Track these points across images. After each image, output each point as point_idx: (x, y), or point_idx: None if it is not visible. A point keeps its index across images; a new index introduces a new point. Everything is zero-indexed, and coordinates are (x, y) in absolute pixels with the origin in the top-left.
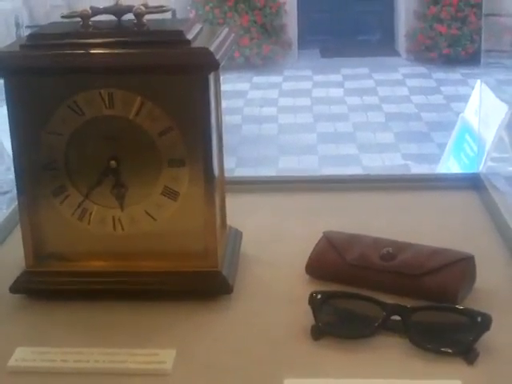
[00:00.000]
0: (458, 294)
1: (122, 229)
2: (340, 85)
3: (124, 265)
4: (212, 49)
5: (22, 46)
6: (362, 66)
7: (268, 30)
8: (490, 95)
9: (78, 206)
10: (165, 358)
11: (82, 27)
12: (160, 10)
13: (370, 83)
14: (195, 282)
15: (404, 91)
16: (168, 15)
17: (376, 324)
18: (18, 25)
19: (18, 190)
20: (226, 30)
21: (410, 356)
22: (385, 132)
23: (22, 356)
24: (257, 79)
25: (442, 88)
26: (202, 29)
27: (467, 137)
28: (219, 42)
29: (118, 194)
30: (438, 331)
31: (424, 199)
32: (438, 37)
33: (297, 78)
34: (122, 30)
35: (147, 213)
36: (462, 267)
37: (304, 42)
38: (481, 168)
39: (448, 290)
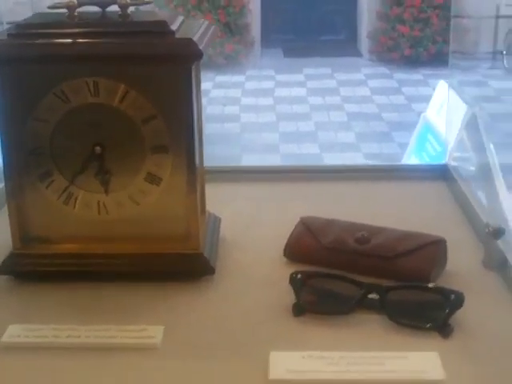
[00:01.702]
0: (430, 275)
1: (107, 213)
2: (302, 84)
3: (109, 247)
4: (195, 39)
5: (9, 35)
6: (325, 65)
7: (231, 28)
8: (452, 96)
9: (64, 191)
10: (153, 333)
11: (68, 17)
12: (143, 2)
13: (332, 83)
14: (179, 263)
15: (366, 91)
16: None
17: (354, 301)
18: None
19: (5, 174)
20: (207, 22)
21: (388, 331)
22: (346, 132)
23: (15, 333)
24: (219, 78)
25: (404, 88)
26: (183, 21)
27: (429, 136)
28: (201, 34)
29: (103, 179)
30: (414, 308)
31: (395, 188)
32: (400, 38)
33: (259, 78)
34: (106, 20)
35: (131, 198)
36: (433, 249)
37: (267, 41)
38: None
39: (421, 271)
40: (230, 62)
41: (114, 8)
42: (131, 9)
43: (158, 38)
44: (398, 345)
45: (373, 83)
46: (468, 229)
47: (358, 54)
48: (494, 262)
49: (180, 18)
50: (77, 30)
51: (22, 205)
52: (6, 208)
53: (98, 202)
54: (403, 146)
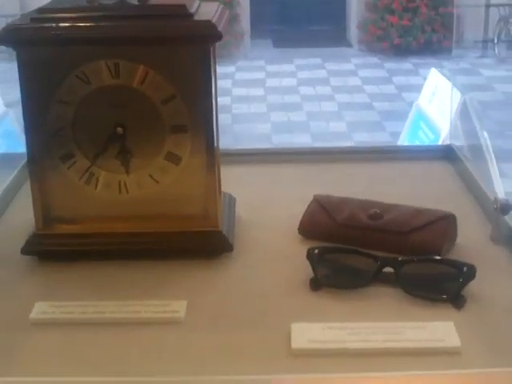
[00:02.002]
0: (441, 248)
1: (128, 192)
2: (293, 75)
3: (130, 226)
4: (214, 21)
5: (32, 19)
6: (315, 56)
7: None
8: (445, 83)
9: (86, 171)
10: (177, 307)
11: (89, 2)
12: None
13: (322, 73)
14: (199, 241)
15: (356, 81)
16: None
17: (369, 275)
18: None
19: (28, 156)
20: (221, 6)
21: (404, 303)
22: (338, 121)
23: (42, 309)
24: None
25: (394, 78)
26: (200, 4)
27: (422, 124)
28: (218, 16)
29: (124, 159)
30: (428, 281)
31: (402, 168)
32: (389, 27)
33: (250, 68)
34: (126, 4)
35: (151, 177)
36: (444, 224)
37: (257, 32)
38: None
39: (432, 245)
40: (220, 53)
41: None
42: None
43: (177, 21)
44: (414, 316)
45: (363, 73)
46: (474, 205)
47: (348, 44)
48: (502, 237)
49: (197, 2)
50: (97, 14)
51: (45, 186)
52: (28, 189)
53: (119, 182)
54: (395, 135)
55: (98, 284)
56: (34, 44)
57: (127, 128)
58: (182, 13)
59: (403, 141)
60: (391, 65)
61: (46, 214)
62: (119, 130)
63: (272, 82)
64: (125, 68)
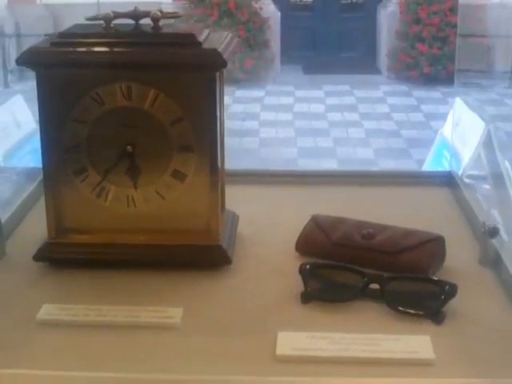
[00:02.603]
0: (429, 269)
1: (135, 206)
2: (321, 101)
3: (136, 238)
4: (220, 50)
5: (52, 44)
6: (344, 82)
7: (251, 44)
8: (468, 113)
9: (97, 185)
10: (173, 314)
11: (105, 28)
12: (173, 15)
13: (351, 100)
14: (200, 254)
15: (385, 108)
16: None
17: (356, 290)
18: (2, 33)
19: (43, 169)
20: (230, 35)
21: (387, 317)
22: (365, 148)
23: (49, 311)
24: (239, 93)
25: (422, 106)
26: (209, 33)
27: (445, 152)
28: (225, 45)
29: (133, 175)
30: (411, 297)
31: (402, 193)
32: (419, 56)
33: (279, 93)
34: (140, 31)
35: (158, 192)
36: (432, 246)
37: (287, 57)
38: None
39: (420, 265)
40: (250, 78)
41: (147, 21)
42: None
43: (186, 49)
44: (395, 329)
45: (391, 100)
46: (467, 229)
47: (377, 72)
48: (489, 259)
49: (206, 31)
50: (113, 40)
51: (58, 198)
52: (42, 201)
53: (128, 196)
54: (420, 163)
55: (102, 290)
56: (52, 66)
57: (137, 146)
58: (191, 41)
59: (426, 168)
60: (420, 93)
61: (58, 224)
62: (129, 148)
63: (300, 108)
64: (137, 91)
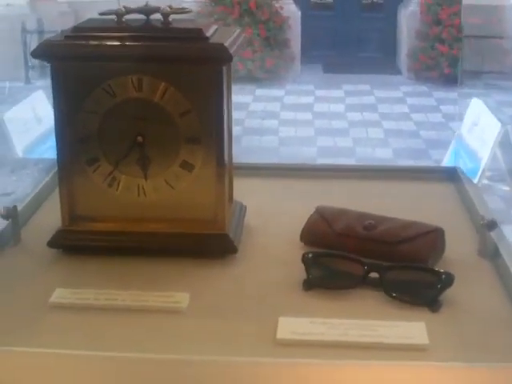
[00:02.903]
0: (427, 259)
1: (145, 196)
2: (341, 100)
3: (146, 226)
4: (227, 44)
5: (66, 37)
6: (364, 82)
7: (271, 43)
8: (486, 113)
9: (108, 175)
10: (180, 299)
11: (117, 23)
12: (183, 11)
13: (370, 100)
14: (207, 242)
15: (404, 109)
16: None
17: (356, 279)
18: (24, 30)
19: (58, 159)
20: (238, 30)
21: (385, 305)
22: (384, 148)
23: (61, 295)
24: (259, 92)
25: (442, 107)
26: (217, 29)
27: (462, 153)
28: (232, 40)
29: (143, 165)
30: (409, 286)
31: (407, 186)
32: (439, 56)
33: (299, 92)
34: (151, 26)
35: (167, 182)
36: (432, 237)
37: (307, 56)
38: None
39: (419, 255)
40: (270, 77)
41: (157, 16)
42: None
43: (194, 43)
44: (392, 316)
45: (411, 101)
46: (468, 223)
47: (397, 72)
48: (488, 251)
49: (214, 27)
50: (124, 34)
51: (72, 187)
52: (57, 191)
53: (138, 186)
54: (439, 163)
55: (112, 276)
56: (66, 59)
57: (147, 137)
58: (199, 36)
59: None
60: (440, 94)
61: (71, 212)
62: (139, 138)
63: (320, 107)
64: (147, 83)
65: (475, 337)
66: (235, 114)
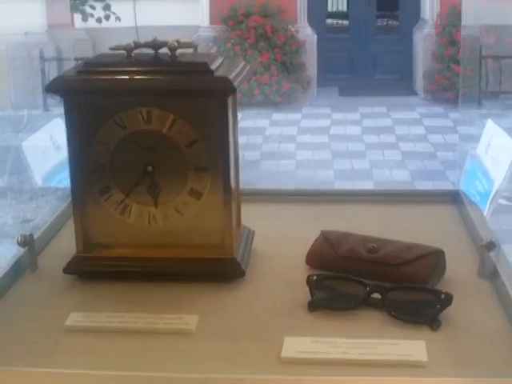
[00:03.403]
0: (428, 280)
1: (156, 223)
2: (358, 123)
3: (157, 252)
4: (231, 77)
5: (78, 72)
6: (380, 104)
7: (288, 67)
8: (501, 134)
9: (120, 203)
10: (189, 321)
11: (127, 57)
12: (190, 45)
13: (387, 122)
14: (215, 266)
15: (421, 130)
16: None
17: (359, 299)
18: (42, 58)
19: (71, 189)
20: (243, 62)
21: (387, 324)
22: (401, 170)
23: (76, 318)
24: (276, 116)
25: (458, 128)
26: (223, 61)
27: (478, 173)
28: (237, 72)
29: (153, 193)
30: (410, 306)
31: (410, 209)
32: (455, 77)
33: (315, 116)
34: (158, 60)
35: (176, 209)
36: (432, 259)
37: (323, 80)
38: (487, 206)
39: (420, 276)
40: (287, 100)
41: (165, 50)
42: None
43: (200, 76)
44: (394, 335)
45: (428, 122)
46: (470, 244)
47: (414, 93)
48: (487, 272)
49: (220, 59)
50: (134, 69)
51: (85, 215)
52: (71, 218)
53: (149, 213)
54: (456, 185)
55: (125, 300)
56: (78, 93)
57: (156, 167)
58: (205, 69)
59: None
60: (456, 115)
61: (85, 239)
62: (149, 168)
63: (337, 130)
64: (156, 116)
65: (473, 354)
66: (253, 139)
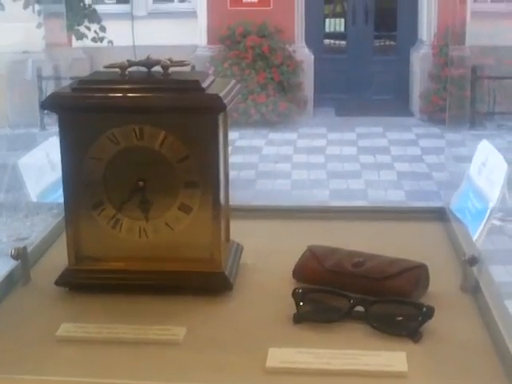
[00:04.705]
0: (411, 293)
1: (147, 237)
2: (354, 143)
3: (147, 265)
4: (221, 95)
5: (72, 89)
6: (376, 125)
7: (284, 87)
8: (495, 155)
9: (112, 218)
10: (177, 332)
11: (120, 76)
12: (182, 64)
13: (383, 142)
14: (204, 280)
15: (416, 151)
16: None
17: (343, 312)
18: (40, 76)
19: (64, 203)
20: (233, 81)
21: (369, 336)
22: (396, 190)
23: (66, 329)
24: (272, 136)
25: (454, 149)
26: (214, 80)
27: (471, 194)
28: (227, 90)
29: (144, 208)
30: (392, 318)
31: (396, 226)
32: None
33: (311, 136)
34: (151, 78)
35: (166, 224)
36: (415, 273)
37: (319, 100)
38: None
39: (403, 290)
40: (283, 120)
41: (158, 68)
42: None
43: (191, 94)
44: (375, 347)
45: (423, 143)
46: (454, 259)
47: (410, 114)
48: (469, 286)
49: (211, 77)
50: (127, 86)
51: (77, 229)
52: (64, 233)
53: (140, 227)
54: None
55: (115, 311)
56: (72, 110)
57: (148, 182)
58: (196, 87)
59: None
60: (452, 135)
61: (77, 252)
62: (141, 183)
63: (333, 150)
64: (148, 132)
65: (453, 365)
66: (249, 159)
